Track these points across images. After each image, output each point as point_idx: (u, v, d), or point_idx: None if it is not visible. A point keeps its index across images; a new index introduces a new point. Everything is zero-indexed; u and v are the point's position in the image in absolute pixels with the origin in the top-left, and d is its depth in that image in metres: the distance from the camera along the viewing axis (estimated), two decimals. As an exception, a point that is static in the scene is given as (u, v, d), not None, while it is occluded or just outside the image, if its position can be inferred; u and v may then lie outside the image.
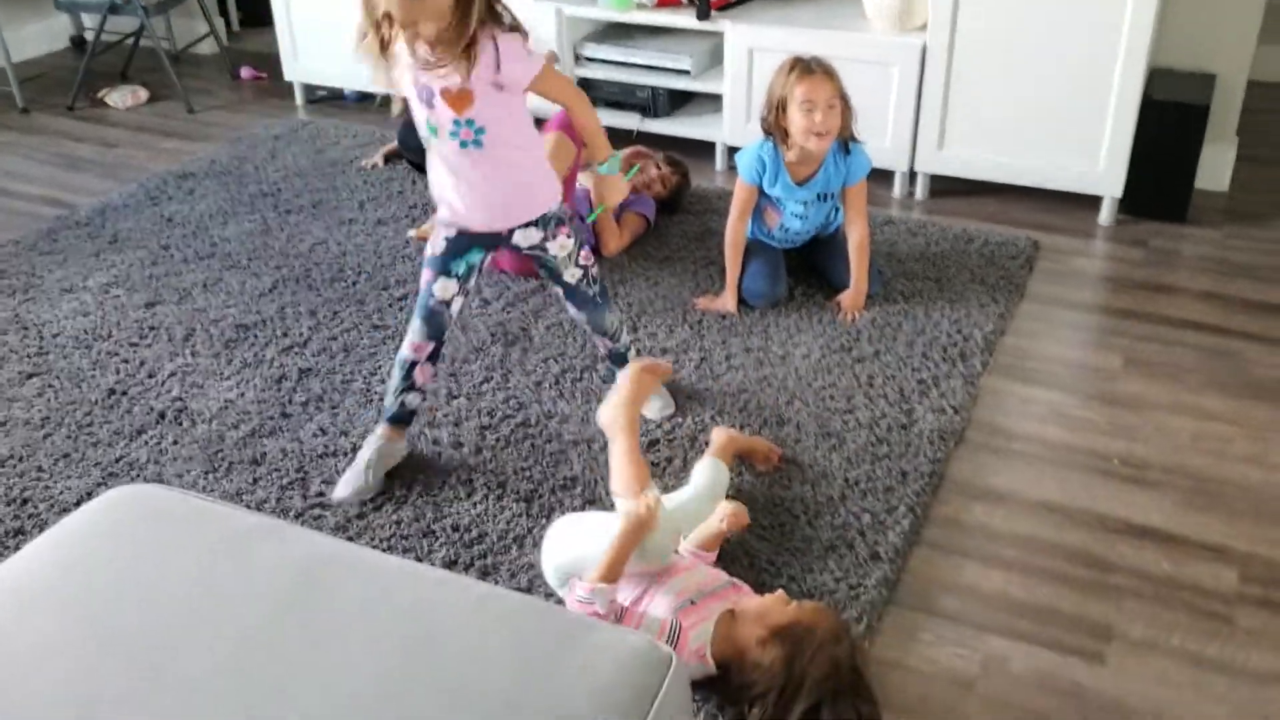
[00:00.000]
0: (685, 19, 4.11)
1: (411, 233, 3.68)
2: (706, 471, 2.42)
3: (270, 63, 5.24)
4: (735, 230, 3.26)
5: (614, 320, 2.72)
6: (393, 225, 3.79)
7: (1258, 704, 2.02)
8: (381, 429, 2.61)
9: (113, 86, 5.11)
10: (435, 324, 2.53)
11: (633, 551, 2.05)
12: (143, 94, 5.08)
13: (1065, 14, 3.53)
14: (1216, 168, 3.96)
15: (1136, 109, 3.58)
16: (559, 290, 2.64)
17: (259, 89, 5.25)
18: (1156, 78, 3.77)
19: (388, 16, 2.18)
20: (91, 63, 5.03)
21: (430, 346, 2.55)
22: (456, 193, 2.41)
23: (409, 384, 2.58)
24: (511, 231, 2.47)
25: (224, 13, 5.84)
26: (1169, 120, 3.64)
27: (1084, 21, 3.52)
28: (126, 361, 3.05)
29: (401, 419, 2.62)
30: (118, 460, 2.67)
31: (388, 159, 4.26)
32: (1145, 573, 2.32)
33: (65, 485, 2.59)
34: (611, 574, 2.02)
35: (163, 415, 2.83)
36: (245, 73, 5.35)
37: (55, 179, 4.29)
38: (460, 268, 2.49)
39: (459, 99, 2.27)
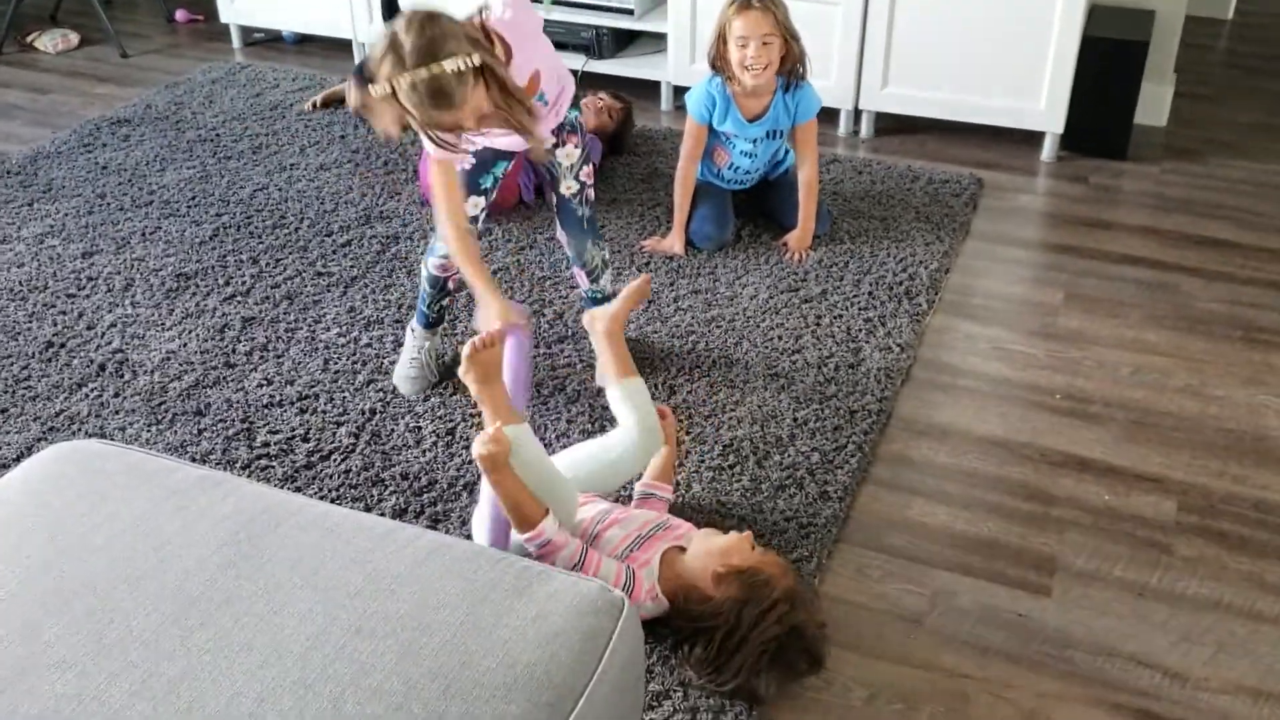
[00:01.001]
0: (628, -43, 4.06)
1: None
2: (630, 427, 2.22)
3: (206, 5, 5.11)
4: (686, 171, 3.23)
5: (596, 255, 2.66)
6: (335, 170, 3.73)
7: (1198, 631, 2.07)
8: (423, 335, 2.71)
9: (42, 30, 4.96)
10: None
11: (513, 491, 1.96)
12: (73, 38, 4.94)
13: (1007, -50, 3.54)
14: (1155, 103, 3.99)
15: (1077, 46, 3.59)
16: (554, 202, 2.61)
17: (194, 32, 5.12)
18: (1096, 14, 3.79)
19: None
20: (19, 5, 4.88)
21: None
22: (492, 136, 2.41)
23: (443, 294, 2.67)
24: None
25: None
26: (1108, 57, 3.65)
27: (1026, -42, 3.53)
28: (64, 313, 2.99)
29: (437, 322, 2.72)
30: (58, 414, 2.63)
31: (326, 104, 4.18)
32: (1087, 505, 2.36)
33: (4, 440, 2.55)
34: (522, 518, 1.96)
35: (103, 368, 2.79)
36: (180, 15, 5.22)
37: (-16, 127, 4.19)
38: (488, 181, 2.53)
39: (527, 89, 2.26)
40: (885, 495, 2.40)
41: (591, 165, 2.59)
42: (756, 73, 3.03)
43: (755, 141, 3.23)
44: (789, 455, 2.47)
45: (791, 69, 3.11)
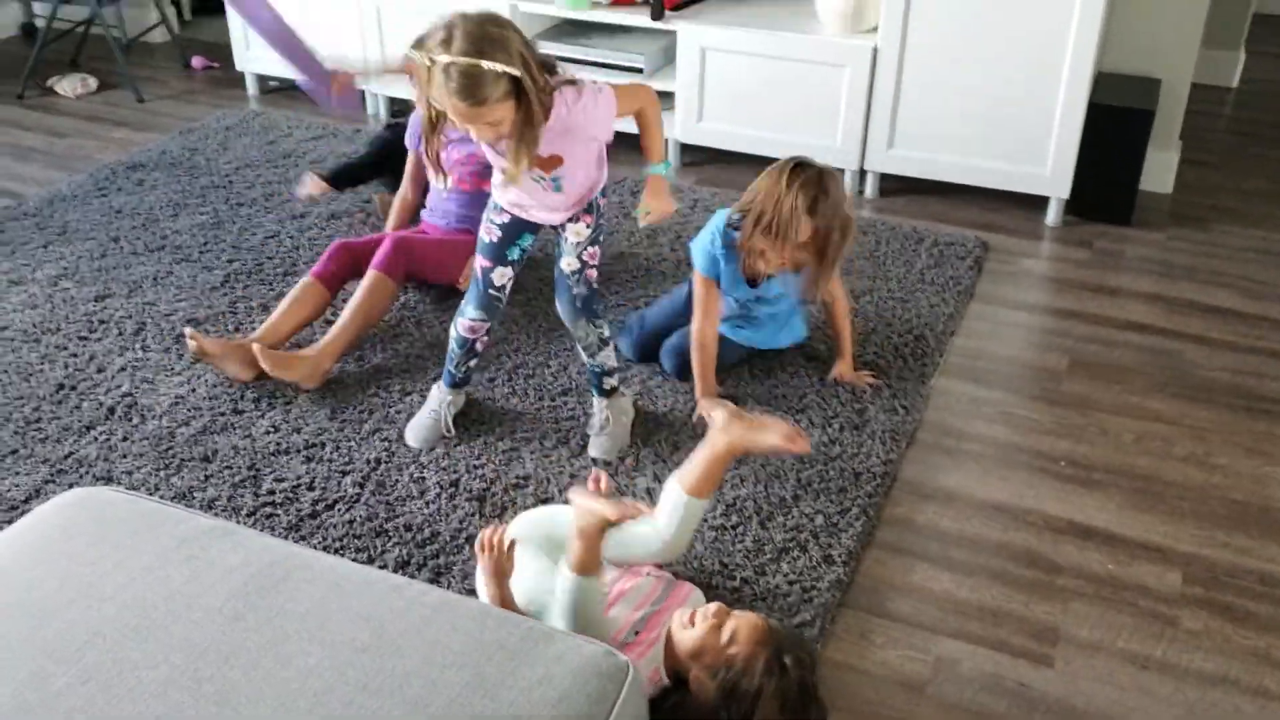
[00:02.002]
0: (639, 18, 4.11)
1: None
2: (663, 538, 2.10)
3: (222, 52, 5.18)
4: (704, 333, 2.80)
5: (591, 334, 2.63)
6: (346, 219, 3.76)
7: (1203, 706, 2.06)
8: (448, 393, 2.74)
9: (62, 75, 5.02)
10: (492, 308, 2.63)
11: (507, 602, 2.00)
12: (92, 82, 5.00)
13: (1014, 18, 3.58)
14: (1161, 171, 4.03)
15: (1083, 113, 3.63)
16: (555, 276, 2.61)
17: (210, 79, 5.18)
18: (1102, 82, 3.83)
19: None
20: (42, 50, 4.94)
21: (488, 325, 2.65)
22: (522, 201, 2.46)
23: (471, 355, 2.71)
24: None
25: (175, 1, 5.76)
26: (1114, 124, 3.69)
27: (1032, 26, 3.57)
28: (76, 356, 3.01)
29: (464, 382, 2.76)
30: (66, 457, 2.64)
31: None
32: (1091, 574, 2.36)
33: (13, 482, 2.56)
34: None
35: (112, 411, 2.80)
36: (197, 62, 5.28)
37: (3, 169, 4.22)
38: (515, 253, 2.56)
39: (547, 162, 2.32)
40: (889, 559, 2.40)
41: (598, 248, 2.56)
42: (779, 266, 2.73)
43: (756, 299, 2.89)
44: (792, 517, 2.47)
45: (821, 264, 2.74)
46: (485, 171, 3.11)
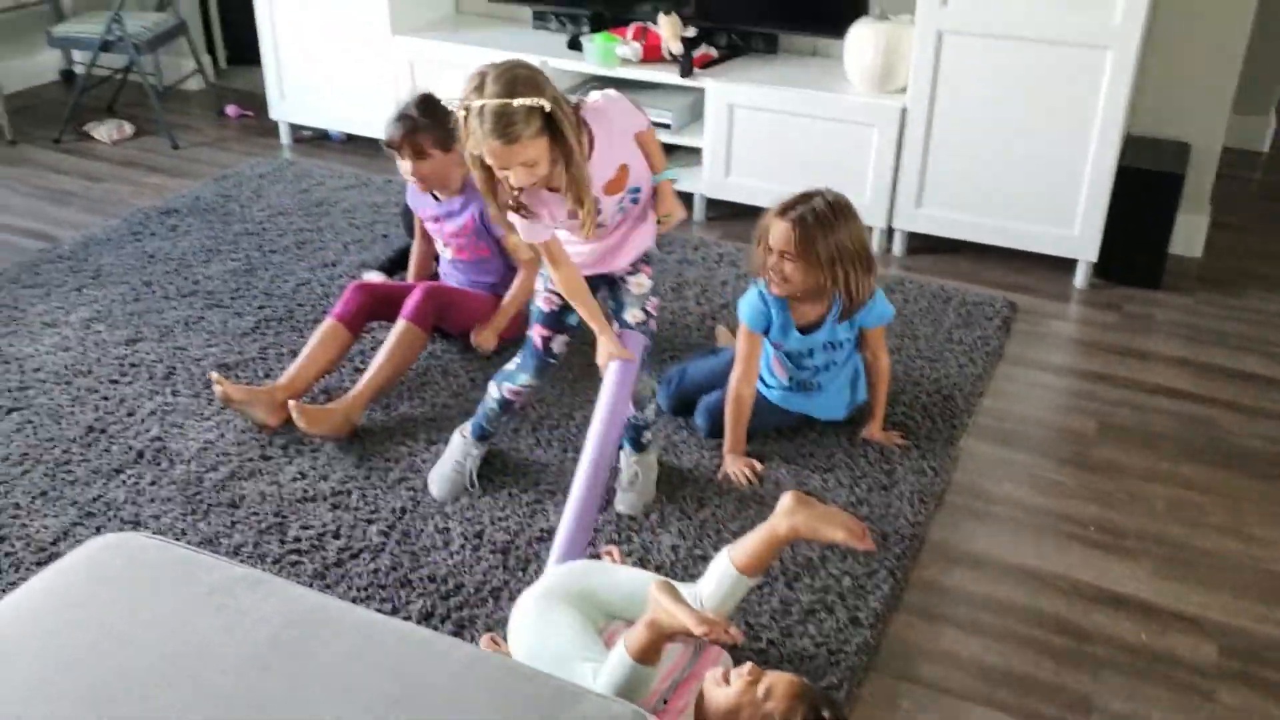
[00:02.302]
0: (668, 75, 4.15)
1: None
2: (716, 594, 2.12)
3: (257, 101, 5.24)
4: (740, 387, 2.82)
5: (647, 384, 2.64)
6: (377, 268, 3.78)
7: (1239, 783, 2.03)
8: (473, 445, 2.75)
9: (99, 120, 5.09)
10: (546, 375, 2.66)
11: None
12: (128, 128, 5.07)
13: (1044, 80, 3.60)
14: (1190, 234, 4.02)
15: (1112, 176, 3.64)
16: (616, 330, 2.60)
17: (245, 127, 5.24)
18: (1132, 145, 3.84)
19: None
20: (81, 96, 5.02)
21: (534, 390, 2.67)
22: (585, 249, 2.47)
23: (508, 414, 2.75)
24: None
25: (211, 50, 5.84)
26: (1143, 188, 3.69)
27: (1062, 88, 3.59)
28: (106, 399, 3.03)
29: (491, 436, 2.78)
30: (95, 499, 2.65)
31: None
32: (1123, 642, 2.33)
33: (42, 524, 2.57)
34: None
35: (141, 455, 2.82)
36: (231, 110, 5.35)
37: (39, 212, 4.27)
38: (574, 319, 2.56)
39: (617, 181, 2.36)
40: (917, 623, 2.38)
41: (657, 298, 2.61)
42: (775, 283, 2.75)
43: (810, 353, 2.86)
44: (819, 578, 2.45)
45: (845, 299, 2.76)
46: (480, 238, 3.19)
